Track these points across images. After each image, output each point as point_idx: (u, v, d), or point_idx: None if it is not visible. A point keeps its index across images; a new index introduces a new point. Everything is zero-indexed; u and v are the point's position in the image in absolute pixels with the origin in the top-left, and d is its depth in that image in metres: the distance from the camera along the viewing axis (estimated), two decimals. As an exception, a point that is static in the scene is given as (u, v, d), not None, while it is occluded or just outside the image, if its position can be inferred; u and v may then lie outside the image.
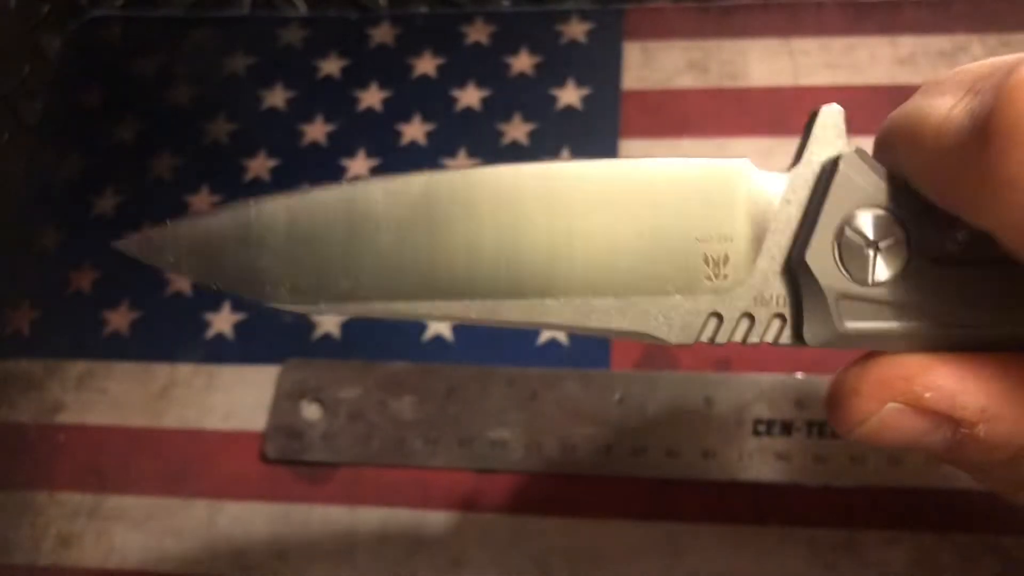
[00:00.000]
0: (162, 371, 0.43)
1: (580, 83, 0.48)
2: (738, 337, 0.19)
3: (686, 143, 0.46)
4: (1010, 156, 0.15)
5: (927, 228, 0.18)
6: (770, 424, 0.38)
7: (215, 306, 0.44)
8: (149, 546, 0.39)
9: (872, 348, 0.20)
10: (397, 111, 0.48)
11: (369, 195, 0.19)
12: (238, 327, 0.44)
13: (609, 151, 0.46)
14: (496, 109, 0.48)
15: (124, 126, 0.50)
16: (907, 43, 0.48)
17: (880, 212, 0.18)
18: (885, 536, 0.36)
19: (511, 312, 0.18)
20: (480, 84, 0.49)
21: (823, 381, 0.38)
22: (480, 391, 0.40)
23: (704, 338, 0.19)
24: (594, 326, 0.19)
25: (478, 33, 0.50)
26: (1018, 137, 0.15)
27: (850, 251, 0.18)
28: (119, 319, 0.45)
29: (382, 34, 0.51)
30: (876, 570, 0.35)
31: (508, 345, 0.41)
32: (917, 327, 0.18)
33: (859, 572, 0.36)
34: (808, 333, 0.19)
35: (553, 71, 0.49)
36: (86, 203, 0.48)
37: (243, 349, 0.43)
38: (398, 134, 0.48)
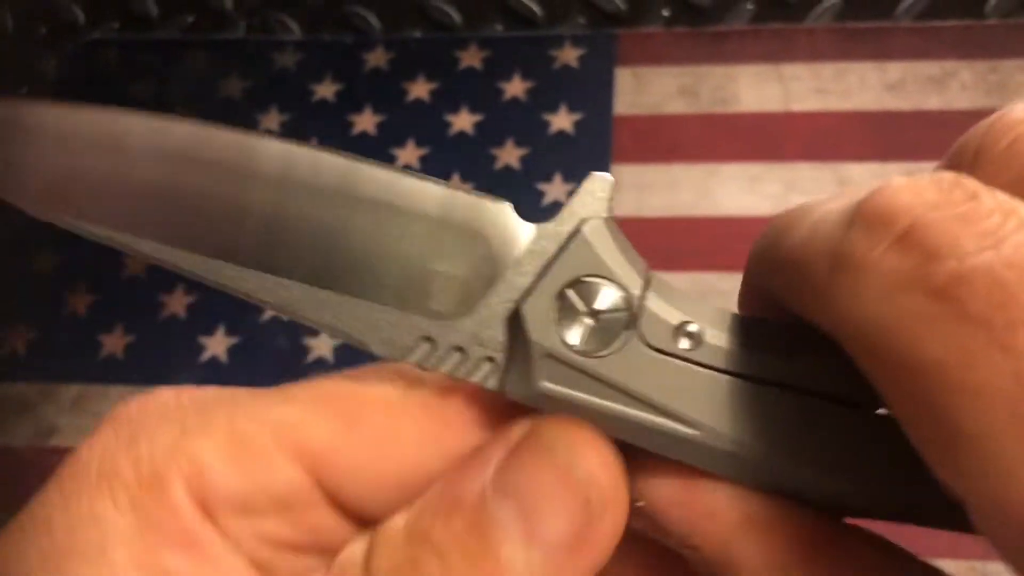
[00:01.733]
0: (156, 394, 0.43)
1: (572, 108, 0.48)
2: (446, 368, 0.19)
3: (676, 168, 0.46)
4: (865, 240, 0.14)
5: (661, 316, 0.18)
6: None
7: (209, 330, 0.44)
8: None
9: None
10: (391, 135, 0.49)
11: (142, 129, 0.18)
12: (232, 350, 0.44)
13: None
14: (489, 134, 0.48)
15: (120, 149, 0.50)
16: (896, 69, 0.48)
17: (611, 286, 0.18)
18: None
19: (231, 278, 0.18)
20: (473, 109, 0.49)
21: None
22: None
23: (413, 359, 0.19)
24: (308, 316, 0.19)
25: (471, 58, 0.51)
26: (880, 221, 0.14)
27: (567, 313, 0.18)
28: (114, 342, 0.45)
29: (376, 58, 0.51)
30: None
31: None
32: (613, 410, 0.18)
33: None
34: (509, 383, 0.18)
35: (546, 96, 0.49)
36: (82, 226, 0.48)
37: (237, 372, 0.43)
38: (392, 158, 0.48)
